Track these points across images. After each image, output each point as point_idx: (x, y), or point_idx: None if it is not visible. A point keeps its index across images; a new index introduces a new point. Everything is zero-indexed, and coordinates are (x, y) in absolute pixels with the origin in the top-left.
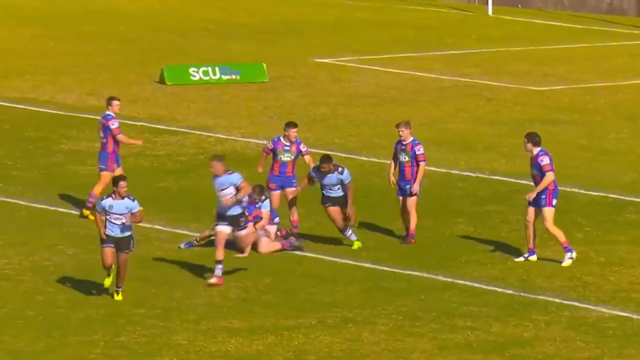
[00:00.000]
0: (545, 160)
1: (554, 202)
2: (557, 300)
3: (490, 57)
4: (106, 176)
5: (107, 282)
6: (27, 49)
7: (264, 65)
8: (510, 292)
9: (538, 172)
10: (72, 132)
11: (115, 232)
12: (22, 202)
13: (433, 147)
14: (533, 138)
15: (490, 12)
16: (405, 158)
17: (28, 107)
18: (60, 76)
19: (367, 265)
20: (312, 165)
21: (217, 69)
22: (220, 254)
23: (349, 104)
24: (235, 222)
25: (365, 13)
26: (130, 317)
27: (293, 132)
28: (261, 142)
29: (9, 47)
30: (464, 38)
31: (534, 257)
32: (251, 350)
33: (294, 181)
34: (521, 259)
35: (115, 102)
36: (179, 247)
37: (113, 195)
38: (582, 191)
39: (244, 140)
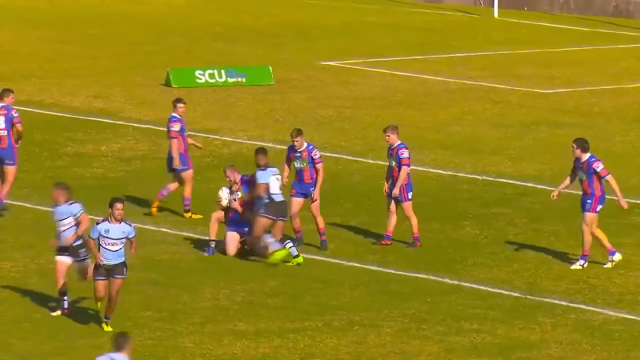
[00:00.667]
0: (600, 166)
1: (599, 208)
2: (563, 303)
3: (497, 59)
4: (189, 174)
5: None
6: (33, 52)
7: (270, 68)
8: (516, 294)
9: (588, 177)
10: (78, 135)
11: (109, 260)
12: (28, 205)
13: (439, 150)
14: (582, 144)
15: (496, 14)
16: (392, 163)
17: (34, 110)
18: (67, 79)
19: (373, 268)
20: (322, 173)
21: (223, 71)
22: (62, 285)
23: (356, 107)
24: (75, 253)
25: (371, 16)
26: (137, 319)
27: (296, 140)
28: (267, 144)
29: (15, 50)
30: (470, 41)
31: (618, 257)
32: (257, 353)
33: (311, 189)
34: (608, 264)
35: (180, 105)
36: (205, 254)
37: (109, 219)
38: None
39: (249, 143)
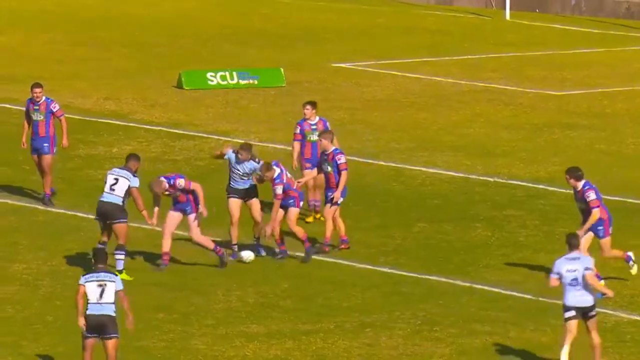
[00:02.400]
0: (591, 196)
1: (610, 230)
2: None
3: (508, 61)
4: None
5: None
6: (44, 54)
7: (282, 70)
8: (528, 297)
9: (585, 205)
10: (90, 137)
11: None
12: (40, 207)
13: (451, 152)
14: (575, 173)
15: (507, 16)
16: (328, 168)
17: None
18: (77, 81)
19: (385, 270)
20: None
21: (234, 73)
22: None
23: (367, 109)
24: None
25: (383, 18)
26: (149, 322)
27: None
28: (279, 146)
29: (26, 52)
30: (482, 43)
31: (633, 262)
32: (269, 355)
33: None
34: (634, 269)
35: (306, 107)
36: (229, 260)
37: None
38: None
39: (261, 145)
